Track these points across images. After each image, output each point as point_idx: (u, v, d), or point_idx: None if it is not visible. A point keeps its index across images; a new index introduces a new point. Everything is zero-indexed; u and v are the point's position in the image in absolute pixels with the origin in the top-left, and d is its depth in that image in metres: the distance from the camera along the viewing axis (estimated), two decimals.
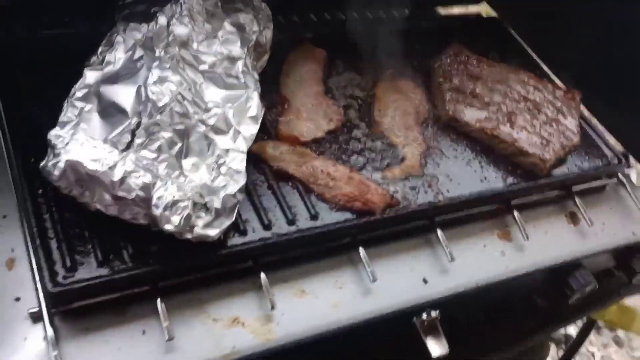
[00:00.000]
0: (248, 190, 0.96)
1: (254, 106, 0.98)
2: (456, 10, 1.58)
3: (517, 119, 1.18)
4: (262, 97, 1.06)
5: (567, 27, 1.36)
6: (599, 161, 1.21)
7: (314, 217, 0.97)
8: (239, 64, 1.01)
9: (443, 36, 1.38)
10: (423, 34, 1.39)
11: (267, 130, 1.07)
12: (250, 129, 0.96)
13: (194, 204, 0.83)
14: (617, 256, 1.25)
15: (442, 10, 1.55)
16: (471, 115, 1.17)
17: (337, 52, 1.26)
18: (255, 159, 1.01)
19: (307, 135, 1.07)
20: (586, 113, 1.36)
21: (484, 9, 1.57)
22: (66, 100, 0.91)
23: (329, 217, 0.98)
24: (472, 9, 1.58)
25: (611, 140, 1.34)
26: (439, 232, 1.04)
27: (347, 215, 0.98)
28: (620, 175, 1.24)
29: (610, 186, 1.25)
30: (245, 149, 0.93)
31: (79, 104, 0.91)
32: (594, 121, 1.35)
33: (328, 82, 1.20)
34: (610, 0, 1.25)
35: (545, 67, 1.41)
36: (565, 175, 1.16)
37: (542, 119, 1.19)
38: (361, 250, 0.96)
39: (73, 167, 0.81)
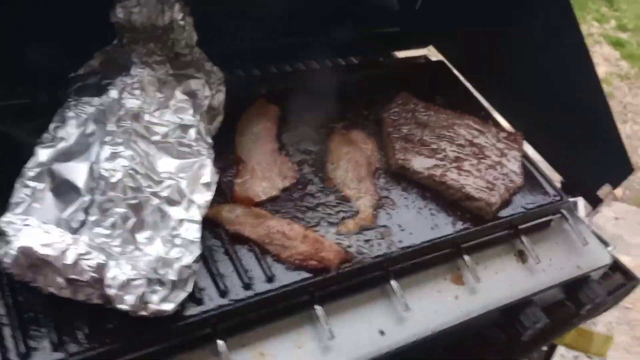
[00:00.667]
0: (204, 256, 0.99)
1: (207, 173, 1.01)
2: (404, 54, 1.63)
3: (464, 164, 1.23)
4: (218, 158, 1.10)
5: (507, 69, 1.43)
6: (542, 199, 1.27)
7: (270, 279, 0.99)
8: (192, 132, 1.04)
9: (392, 82, 1.43)
10: (373, 82, 1.44)
11: (224, 193, 1.10)
12: (205, 196, 0.99)
13: (149, 281, 0.85)
14: (566, 288, 1.31)
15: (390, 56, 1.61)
16: (420, 163, 1.22)
17: (291, 107, 1.30)
18: (211, 224, 1.04)
19: (263, 195, 1.11)
20: (530, 151, 1.43)
21: (432, 52, 1.64)
22: (17, 181, 0.92)
23: (285, 277, 1.00)
24: (420, 52, 1.64)
25: (554, 175, 1.41)
26: (393, 282, 1.08)
27: (304, 274, 1.02)
28: (563, 211, 1.30)
29: (555, 221, 1.31)
30: (199, 217, 0.95)
31: (32, 184, 0.92)
32: (538, 157, 1.42)
33: (282, 138, 1.24)
34: (549, 45, 1.32)
35: (489, 106, 1.48)
36: (511, 216, 1.22)
37: (487, 163, 1.25)
38: (318, 308, 0.99)
39: (25, 253, 0.82)
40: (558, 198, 1.28)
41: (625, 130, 4.63)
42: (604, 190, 1.33)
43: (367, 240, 1.10)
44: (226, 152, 1.17)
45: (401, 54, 1.63)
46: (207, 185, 1.00)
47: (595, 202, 1.36)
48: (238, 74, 1.40)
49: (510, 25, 1.39)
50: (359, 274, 1.06)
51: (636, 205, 4.00)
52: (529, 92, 1.39)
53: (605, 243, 1.36)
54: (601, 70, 5.07)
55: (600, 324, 2.83)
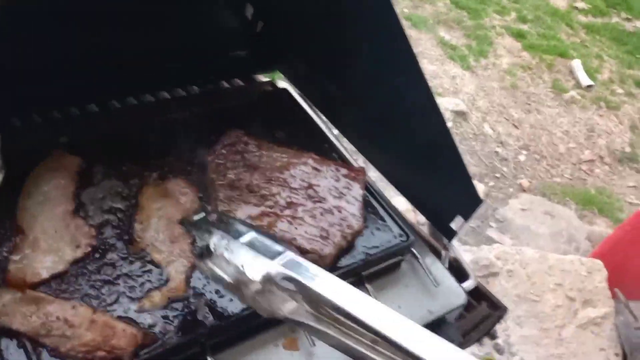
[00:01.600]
0: None
1: None
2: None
3: (297, 210, 1.11)
4: None
5: (353, 93, 1.32)
6: (387, 241, 1.17)
7: None
8: None
9: (228, 117, 1.29)
10: (205, 117, 1.29)
11: None
12: None
13: None
14: None
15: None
16: (244, 213, 1.08)
17: (98, 156, 1.12)
18: None
19: (46, 273, 0.93)
20: (380, 183, 1.33)
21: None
22: None
23: None
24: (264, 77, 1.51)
25: (404, 206, 1.32)
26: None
27: None
28: (413, 250, 1.20)
29: (407, 261, 1.21)
30: None
31: None
32: (387, 188, 1.32)
33: (82, 197, 1.06)
34: (387, 74, 1.21)
35: (334, 138, 1.36)
36: (352, 264, 1.11)
37: (324, 207, 1.12)
38: None
39: None
40: (404, 238, 1.18)
41: (529, 120, 4.75)
42: (456, 223, 1.25)
43: (176, 315, 0.95)
44: (5, 220, 0.98)
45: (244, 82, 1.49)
46: None
47: (450, 234, 1.27)
48: (34, 120, 1.21)
49: (349, 47, 1.28)
50: (161, 358, 0.91)
51: (541, 195, 4.09)
52: (375, 122, 1.29)
53: (464, 276, 1.27)
54: (504, 61, 5.19)
55: (510, 319, 2.85)
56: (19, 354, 0.84)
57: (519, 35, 5.52)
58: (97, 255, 0.99)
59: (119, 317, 0.91)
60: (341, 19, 1.24)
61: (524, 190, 4.13)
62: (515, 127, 4.72)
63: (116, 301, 0.94)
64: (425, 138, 1.19)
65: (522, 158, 4.42)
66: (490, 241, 3.55)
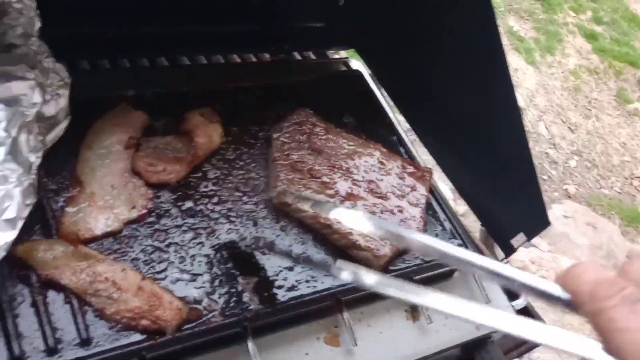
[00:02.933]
0: (1, 309, 0.80)
1: (14, 205, 0.81)
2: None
3: (357, 204, 1.06)
4: (52, 178, 0.90)
5: (432, 91, 1.24)
6: None
7: (86, 342, 0.81)
8: (1, 151, 0.83)
9: (296, 93, 1.23)
10: (273, 90, 1.23)
11: (48, 224, 0.90)
12: (5, 237, 0.79)
13: None
14: (464, 349, 1.17)
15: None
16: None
17: (162, 114, 1.09)
18: (21, 266, 0.84)
19: (98, 230, 0.91)
20: (446, 187, 1.27)
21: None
22: None
23: (106, 340, 0.82)
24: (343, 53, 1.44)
25: (468, 217, 1.25)
26: (250, 344, 0.90)
27: (132, 337, 0.84)
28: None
29: (459, 271, 1.16)
30: None
31: None
32: (448, 194, 1.26)
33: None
34: (478, 81, 1.13)
35: (404, 132, 1.29)
36: (405, 268, 1.06)
37: (385, 205, 1.07)
38: None
39: None
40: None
41: (587, 126, 4.57)
42: (518, 239, 1.19)
43: (222, 294, 0.92)
44: (65, 169, 0.96)
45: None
46: (10, 222, 0.80)
47: (508, 250, 1.21)
48: (103, 66, 1.17)
49: (437, 37, 1.20)
50: (202, 335, 0.88)
51: (586, 205, 3.95)
52: (452, 124, 1.21)
53: (514, 296, 1.22)
54: (571, 61, 4.96)
55: None
56: (65, 310, 0.83)
57: (591, 37, 5.25)
58: (151, 219, 0.97)
59: (166, 288, 0.89)
60: (432, 5, 1.16)
61: (569, 197, 4.00)
62: (571, 130, 4.54)
63: (165, 270, 0.92)
64: (504, 150, 1.12)
65: (572, 163, 4.26)
66: (527, 244, 3.46)
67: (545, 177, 4.05)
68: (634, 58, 5.18)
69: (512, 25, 4.97)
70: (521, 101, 4.43)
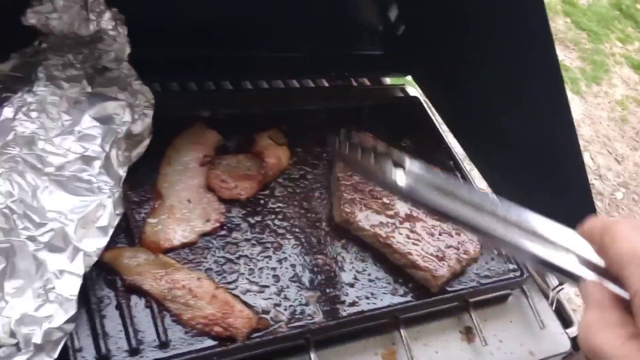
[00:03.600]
0: (90, 310, 0.86)
1: (106, 214, 0.88)
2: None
3: (416, 226, 1.09)
4: (134, 191, 0.98)
5: (487, 116, 1.28)
6: (499, 272, 1.14)
7: (164, 344, 0.87)
8: (96, 164, 0.91)
9: (357, 116, 1.29)
10: (335, 113, 1.29)
11: (132, 233, 0.97)
12: (97, 243, 0.86)
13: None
14: None
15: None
16: (366, 218, 1.08)
17: (235, 135, 1.16)
18: (108, 271, 0.91)
19: (176, 240, 0.97)
20: None
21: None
22: None
23: (182, 344, 0.88)
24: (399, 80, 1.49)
25: None
26: (312, 355, 0.95)
27: (205, 342, 0.89)
28: (524, 286, 1.16)
29: (514, 295, 1.18)
30: (82, 270, 0.82)
31: None
32: None
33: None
34: (534, 104, 1.17)
35: (462, 153, 1.33)
36: (461, 290, 1.08)
37: (443, 227, 1.11)
38: None
39: None
40: (518, 273, 1.14)
41: (634, 157, 4.47)
42: None
43: (288, 306, 0.97)
44: (147, 183, 1.04)
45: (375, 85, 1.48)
46: (103, 229, 0.87)
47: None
48: (186, 88, 1.26)
49: (496, 67, 1.23)
50: (270, 344, 0.93)
51: None
52: (508, 151, 1.24)
53: (568, 323, 1.22)
54: (618, 92, 4.89)
55: None
56: (146, 313, 0.89)
57: (638, 68, 5.17)
58: (223, 232, 1.03)
59: (237, 297, 0.95)
60: (492, 37, 1.20)
61: None
62: (618, 162, 4.45)
63: (235, 280, 0.98)
64: (558, 173, 1.15)
65: (619, 195, 4.17)
66: None
67: None
68: None
69: (557, 54, 4.94)
70: None
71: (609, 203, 4.09)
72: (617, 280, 0.50)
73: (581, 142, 4.46)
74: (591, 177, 4.25)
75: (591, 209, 1.13)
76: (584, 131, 4.55)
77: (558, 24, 5.22)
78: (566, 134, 1.12)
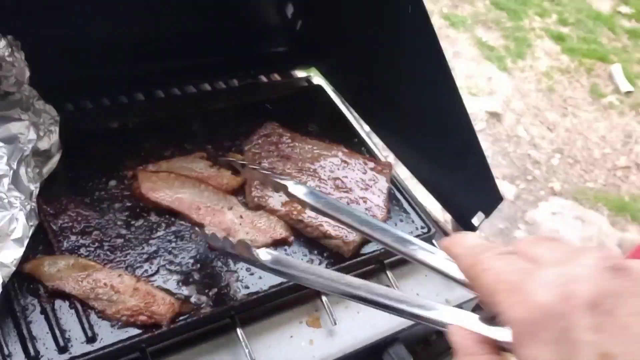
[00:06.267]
0: (16, 317, 0.91)
1: (20, 227, 0.93)
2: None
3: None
4: (50, 203, 1.03)
5: (385, 92, 1.38)
6: (409, 232, 1.23)
7: (92, 339, 0.92)
8: (4, 182, 0.96)
9: (264, 109, 1.38)
10: (243, 109, 1.37)
11: (50, 244, 1.02)
12: (14, 254, 0.91)
13: None
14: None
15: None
16: (277, 200, 1.16)
17: (145, 141, 1.23)
18: (30, 280, 0.96)
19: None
20: (410, 181, 1.39)
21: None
22: None
23: (109, 336, 0.93)
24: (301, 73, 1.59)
25: (432, 205, 1.37)
26: (239, 331, 1.02)
27: (132, 331, 0.95)
28: (434, 242, 1.26)
29: None
30: (0, 280, 0.87)
31: None
32: (416, 187, 1.38)
33: None
34: (419, 73, 1.27)
35: (369, 131, 1.43)
36: (373, 252, 1.17)
37: (350, 197, 1.20)
38: None
39: None
40: (425, 230, 1.24)
41: (565, 124, 4.70)
42: (477, 218, 1.30)
43: (210, 289, 1.04)
44: (62, 196, 1.09)
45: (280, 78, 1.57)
46: (18, 240, 0.92)
47: (471, 230, 1.33)
48: (85, 105, 1.32)
49: (384, 49, 1.34)
50: (195, 326, 1.00)
51: (573, 200, 4.05)
52: (407, 122, 1.35)
53: None
54: (542, 64, 5.14)
55: None
56: (71, 314, 0.94)
57: (558, 38, 5.45)
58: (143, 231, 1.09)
59: (159, 287, 1.01)
60: (376, 22, 1.31)
61: (555, 194, 4.10)
62: (550, 130, 4.68)
63: (157, 272, 1.04)
64: (454, 139, 1.25)
65: (555, 162, 4.38)
66: None
67: (529, 177, 4.16)
68: (602, 54, 5.37)
69: (480, 36, 5.17)
70: (498, 107, 4.59)
71: (547, 170, 4.30)
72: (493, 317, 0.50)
73: (513, 116, 4.68)
74: (527, 148, 4.45)
75: (484, 165, 1.24)
76: (515, 105, 4.76)
77: (478, 7, 5.46)
78: (453, 101, 1.22)
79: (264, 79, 1.57)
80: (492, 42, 5.14)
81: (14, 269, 0.90)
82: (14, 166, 0.98)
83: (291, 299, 1.11)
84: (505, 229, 3.65)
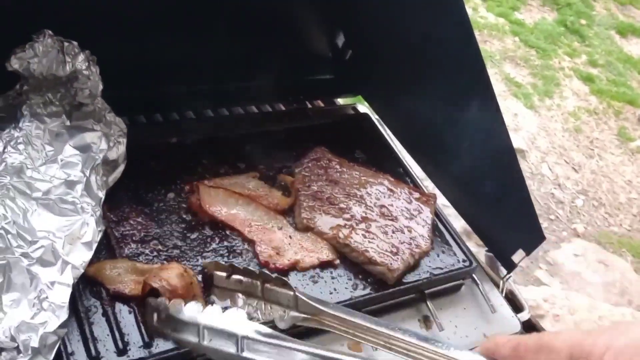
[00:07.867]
0: (80, 318, 0.96)
1: (90, 231, 0.99)
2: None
3: (371, 226, 1.22)
4: (113, 211, 1.08)
5: (431, 128, 1.42)
6: (450, 264, 1.26)
7: (148, 344, 0.96)
8: (78, 188, 1.01)
9: (313, 134, 1.43)
10: (294, 133, 1.43)
11: (112, 249, 1.07)
12: (83, 256, 0.96)
13: (3, 349, 0.82)
14: None
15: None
16: (325, 223, 1.20)
17: (201, 157, 1.29)
18: (92, 283, 1.01)
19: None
20: (451, 211, 1.42)
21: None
22: None
23: (165, 343, 0.98)
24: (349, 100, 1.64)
25: (472, 239, 1.41)
26: None
27: None
28: (474, 276, 1.29)
29: (466, 286, 1.30)
30: (71, 281, 0.92)
31: None
32: (458, 220, 1.42)
33: None
34: (469, 115, 1.31)
35: (410, 165, 1.47)
36: (415, 281, 1.20)
37: (395, 225, 1.23)
38: None
39: None
40: (467, 263, 1.27)
41: (590, 165, 4.69)
42: (517, 255, 1.33)
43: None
44: (124, 204, 1.14)
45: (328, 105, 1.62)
46: (87, 244, 0.97)
47: (510, 266, 1.35)
48: (140, 120, 1.39)
49: (432, 85, 1.39)
50: None
51: (596, 243, 4.02)
52: (451, 156, 1.38)
53: (518, 308, 1.35)
54: (570, 103, 5.15)
55: None
56: (130, 317, 0.99)
57: (587, 79, 5.47)
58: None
59: None
60: (424, 54, 1.36)
61: (578, 236, 4.07)
62: (575, 170, 4.67)
63: None
64: (498, 176, 1.29)
65: (579, 203, 4.36)
66: (538, 283, 3.52)
67: (552, 217, 4.14)
68: (632, 97, 5.37)
69: (508, 72, 5.21)
70: (523, 144, 4.60)
71: (570, 211, 4.28)
72: None
73: (538, 154, 4.68)
74: (551, 187, 4.45)
75: (528, 203, 1.27)
76: (540, 143, 4.77)
77: (507, 44, 5.51)
78: (501, 143, 1.26)
79: (308, 104, 1.62)
80: (520, 79, 5.18)
81: (82, 271, 0.95)
82: (87, 173, 1.03)
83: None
84: (526, 268, 3.63)
